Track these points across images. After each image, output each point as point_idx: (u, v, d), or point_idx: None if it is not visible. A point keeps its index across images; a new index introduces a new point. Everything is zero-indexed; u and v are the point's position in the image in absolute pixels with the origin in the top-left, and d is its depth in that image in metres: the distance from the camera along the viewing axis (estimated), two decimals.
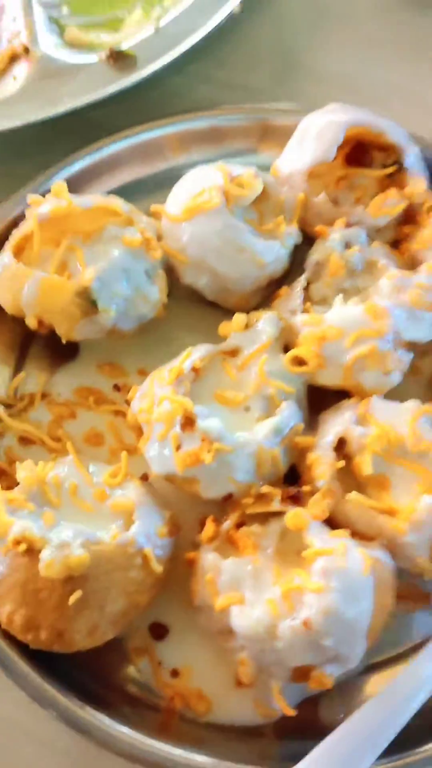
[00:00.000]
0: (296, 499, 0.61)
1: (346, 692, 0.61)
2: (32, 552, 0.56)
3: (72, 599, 0.55)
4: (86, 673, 0.61)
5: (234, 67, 0.95)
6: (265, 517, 0.62)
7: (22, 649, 0.59)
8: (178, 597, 0.62)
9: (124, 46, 0.87)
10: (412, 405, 0.65)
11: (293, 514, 0.59)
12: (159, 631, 0.63)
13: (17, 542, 0.56)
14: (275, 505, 0.61)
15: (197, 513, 0.65)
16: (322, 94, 0.85)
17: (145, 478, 0.65)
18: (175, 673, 0.62)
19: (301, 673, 0.56)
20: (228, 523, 0.61)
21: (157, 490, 0.65)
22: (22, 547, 0.56)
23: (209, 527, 0.61)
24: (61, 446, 0.69)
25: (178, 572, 0.62)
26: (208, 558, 0.59)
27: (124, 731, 0.58)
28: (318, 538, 0.58)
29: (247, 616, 0.56)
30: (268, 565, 0.59)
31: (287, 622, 0.55)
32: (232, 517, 0.62)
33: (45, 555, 0.55)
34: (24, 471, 0.61)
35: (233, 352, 0.68)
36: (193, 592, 0.60)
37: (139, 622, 0.62)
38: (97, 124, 0.83)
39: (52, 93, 0.84)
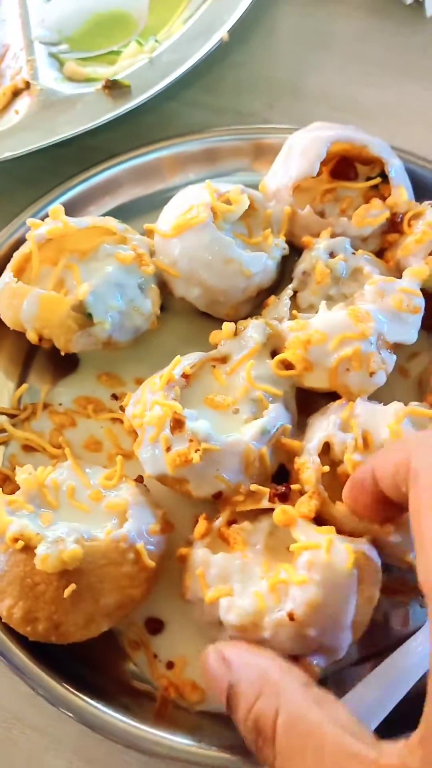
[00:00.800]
0: (284, 497, 0.62)
1: (341, 683, 0.61)
2: (29, 549, 0.59)
3: (67, 592, 0.57)
4: (85, 666, 0.63)
5: (224, 92, 0.99)
6: (255, 515, 0.63)
7: (22, 642, 0.60)
8: (174, 593, 0.64)
9: (120, 77, 0.90)
10: (395, 407, 0.65)
11: (281, 511, 0.60)
12: (155, 626, 0.65)
13: (15, 539, 0.58)
14: (264, 503, 0.62)
15: (193, 513, 0.67)
16: (309, 114, 0.88)
17: (140, 480, 0.67)
18: (170, 665, 0.63)
19: None
20: (219, 521, 0.63)
21: (152, 491, 0.67)
22: (20, 544, 0.58)
23: (201, 524, 0.63)
24: (62, 453, 0.71)
25: (174, 570, 0.64)
26: (199, 553, 0.61)
27: (119, 718, 0.59)
28: (305, 533, 0.59)
29: (234, 608, 0.57)
30: (257, 560, 0.60)
31: (273, 614, 0.56)
32: (223, 514, 0.63)
33: (40, 550, 0.58)
34: (23, 474, 0.64)
35: (223, 359, 0.70)
36: (185, 587, 0.62)
37: (135, 617, 0.64)
38: (96, 151, 0.87)
39: (51, 123, 0.87)
